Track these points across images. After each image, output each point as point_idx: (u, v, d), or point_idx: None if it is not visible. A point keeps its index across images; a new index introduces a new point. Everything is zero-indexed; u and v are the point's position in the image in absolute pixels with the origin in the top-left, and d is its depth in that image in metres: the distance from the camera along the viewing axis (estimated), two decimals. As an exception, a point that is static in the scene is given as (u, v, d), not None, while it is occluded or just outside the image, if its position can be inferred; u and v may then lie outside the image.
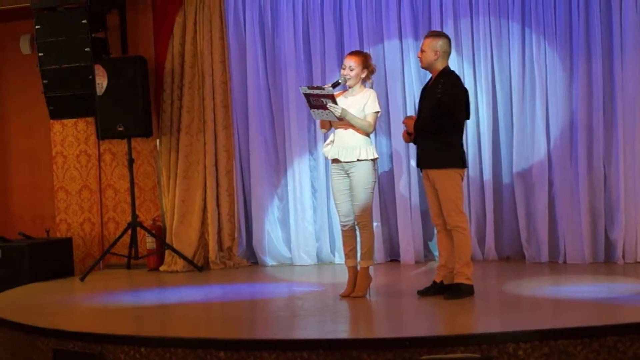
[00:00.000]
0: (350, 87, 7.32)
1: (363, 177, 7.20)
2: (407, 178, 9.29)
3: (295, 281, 8.79)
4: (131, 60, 9.75)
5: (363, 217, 7.26)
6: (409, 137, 7.34)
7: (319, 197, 9.62)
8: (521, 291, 7.48)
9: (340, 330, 6.46)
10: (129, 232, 9.54)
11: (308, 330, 6.48)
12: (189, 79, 9.79)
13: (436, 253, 8.80)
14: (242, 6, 9.77)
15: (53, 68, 9.48)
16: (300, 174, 9.67)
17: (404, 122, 7.43)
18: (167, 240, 9.72)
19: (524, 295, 7.32)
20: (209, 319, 7.02)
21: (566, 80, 8.86)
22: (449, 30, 8.93)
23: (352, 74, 7.25)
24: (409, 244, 9.27)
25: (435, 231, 7.47)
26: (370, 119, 7.21)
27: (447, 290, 7.08)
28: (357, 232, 7.39)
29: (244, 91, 9.79)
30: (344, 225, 7.40)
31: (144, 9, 10.12)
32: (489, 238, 9.08)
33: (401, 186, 9.32)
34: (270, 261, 9.74)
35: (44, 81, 9.59)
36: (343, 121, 7.17)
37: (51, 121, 10.19)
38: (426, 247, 9.38)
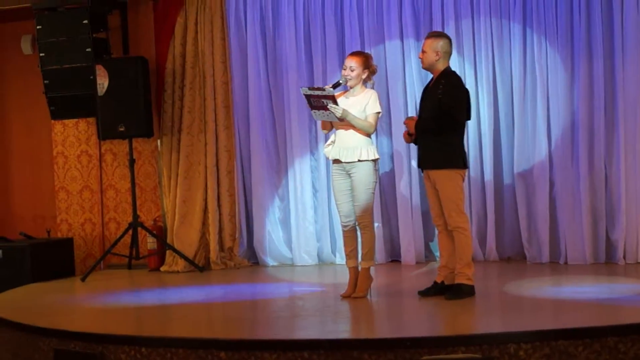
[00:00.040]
0: (351, 88, 7.32)
1: (364, 177, 7.20)
2: (408, 178, 9.29)
3: (296, 281, 8.79)
4: (132, 61, 9.75)
5: (364, 217, 7.25)
6: (410, 137, 7.34)
7: (320, 198, 9.62)
8: (522, 292, 7.48)
9: (341, 330, 6.46)
10: (130, 232, 9.55)
11: (309, 330, 6.48)
12: (190, 79, 9.79)
13: (437, 253, 8.81)
14: (243, 6, 9.77)
15: (54, 68, 9.49)
16: (301, 174, 9.66)
17: (405, 123, 7.43)
18: (168, 241, 9.72)
19: (525, 296, 7.32)
20: (210, 319, 7.02)
21: (567, 80, 8.85)
22: (450, 30, 8.93)
23: (353, 74, 7.24)
24: (409, 244, 9.28)
25: (436, 232, 7.47)
26: (371, 120, 7.21)
27: (448, 291, 7.08)
28: (358, 233, 7.39)
29: (245, 91, 9.79)
30: (344, 226, 7.40)
31: (145, 10, 10.12)
32: (489, 238, 9.08)
33: (402, 186, 9.32)
34: (271, 261, 9.74)
35: (45, 81, 9.60)
36: (344, 122, 7.17)
37: (52, 121, 10.19)
38: (427, 247, 9.37)
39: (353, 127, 7.19)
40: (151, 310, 7.47)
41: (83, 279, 9.22)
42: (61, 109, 9.74)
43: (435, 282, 7.27)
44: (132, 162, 9.68)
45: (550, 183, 8.91)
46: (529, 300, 7.13)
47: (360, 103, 7.23)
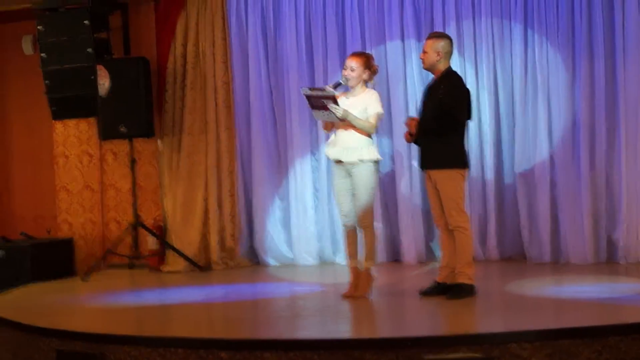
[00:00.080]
0: (351, 88, 7.31)
1: (365, 177, 7.20)
2: (409, 178, 9.29)
3: (297, 281, 8.77)
4: (133, 61, 9.76)
5: (365, 217, 7.25)
6: (411, 137, 7.34)
7: (321, 198, 9.62)
8: (523, 291, 7.47)
9: (343, 330, 6.45)
10: (131, 232, 9.54)
11: (310, 330, 6.47)
12: (191, 79, 9.79)
13: (438, 253, 8.80)
14: (244, 7, 9.77)
15: (55, 69, 9.48)
16: (302, 175, 9.67)
17: (406, 123, 7.43)
18: (169, 241, 9.72)
19: (526, 295, 7.32)
20: (211, 319, 7.01)
21: (568, 80, 8.85)
22: (451, 31, 8.91)
23: (354, 74, 7.24)
24: (411, 244, 9.28)
25: (438, 231, 7.47)
26: (372, 120, 7.20)
27: (449, 291, 7.07)
28: (359, 233, 7.38)
29: (246, 92, 9.79)
30: (346, 226, 7.39)
31: (146, 10, 10.13)
32: (490, 238, 9.08)
33: (403, 186, 9.32)
34: (272, 261, 9.74)
35: (46, 82, 9.58)
36: (345, 122, 7.17)
37: (53, 121, 10.18)
38: (428, 247, 9.37)
39: (354, 127, 7.18)
40: (152, 310, 7.47)
41: (84, 279, 9.22)
42: (62, 109, 9.73)
43: (436, 282, 7.26)
44: (133, 162, 9.68)
45: (551, 183, 8.91)
46: (530, 299, 7.13)
47: (361, 103, 7.22)
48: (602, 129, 8.71)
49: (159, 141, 9.95)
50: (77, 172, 10.46)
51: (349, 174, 7.24)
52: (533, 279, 8.08)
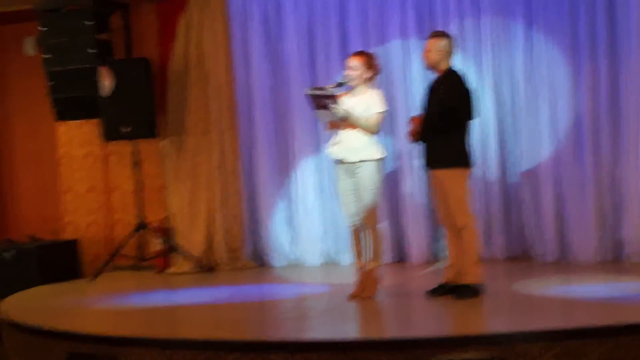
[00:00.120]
0: (354, 88, 7.31)
1: (369, 177, 7.20)
2: (414, 178, 9.27)
3: (302, 282, 8.78)
4: (135, 62, 9.77)
5: (370, 217, 7.25)
6: (414, 137, 7.33)
7: (325, 198, 9.61)
8: (530, 290, 7.47)
9: (350, 331, 6.46)
10: (137, 233, 9.55)
11: (317, 331, 6.49)
12: (193, 80, 9.80)
13: (444, 253, 8.79)
14: (246, 8, 9.76)
15: (58, 70, 9.48)
16: (306, 175, 9.66)
17: (409, 123, 7.42)
18: (175, 242, 9.72)
19: (533, 295, 7.32)
20: (218, 320, 7.00)
21: (571, 79, 8.83)
22: (453, 30, 8.90)
23: (356, 74, 7.24)
24: (417, 244, 9.28)
25: (444, 231, 7.46)
26: (374, 120, 7.20)
27: (456, 290, 7.07)
28: (364, 233, 7.38)
29: (249, 91, 9.79)
30: (351, 226, 7.39)
31: (148, 10, 10.13)
32: (496, 237, 9.07)
33: (408, 186, 9.31)
34: (277, 262, 9.74)
35: (49, 83, 9.59)
36: (347, 122, 7.16)
37: (56, 123, 10.18)
38: (434, 247, 9.36)
39: (357, 127, 7.18)
40: (160, 312, 7.49)
41: (91, 281, 9.23)
42: (65, 110, 9.72)
43: (443, 282, 7.26)
44: (137, 163, 9.68)
45: (555, 181, 8.89)
46: (537, 299, 7.13)
47: (363, 103, 7.22)
48: (606, 127, 8.70)
49: (162, 142, 9.94)
50: (82, 174, 10.46)
51: (353, 174, 7.24)
52: (539, 278, 8.06)
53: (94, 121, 10.11)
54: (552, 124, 8.88)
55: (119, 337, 6.22)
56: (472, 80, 8.85)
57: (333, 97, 7.06)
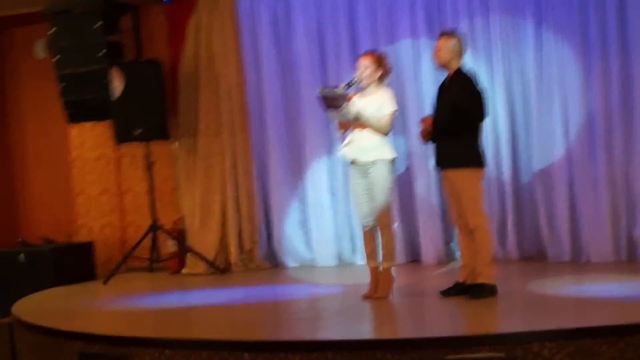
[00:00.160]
0: (365, 87, 7.31)
1: (381, 177, 7.20)
2: (427, 178, 9.27)
3: (316, 282, 8.78)
4: (146, 64, 9.80)
5: (383, 217, 7.25)
6: (426, 137, 7.33)
7: (338, 198, 9.62)
8: (544, 290, 7.45)
9: (364, 331, 6.46)
10: (150, 235, 9.57)
11: (331, 331, 6.49)
12: (204, 81, 9.82)
13: (458, 253, 8.79)
14: (255, 8, 9.78)
15: (69, 72, 9.51)
16: (318, 175, 9.67)
17: (420, 123, 7.42)
18: (188, 243, 9.74)
19: (547, 295, 7.29)
20: (233, 321, 7.00)
21: (583, 78, 8.81)
22: (463, 29, 8.90)
23: (366, 73, 7.24)
24: (430, 244, 9.28)
25: (457, 231, 7.46)
26: (386, 119, 7.20)
27: (470, 290, 7.05)
28: (378, 233, 7.38)
29: (260, 92, 9.80)
30: (364, 226, 7.39)
31: (158, 12, 10.17)
32: (510, 237, 9.06)
33: (421, 186, 9.31)
34: (291, 263, 9.75)
35: (60, 85, 9.61)
36: (359, 122, 7.17)
37: (68, 125, 10.20)
38: (447, 247, 9.36)
39: (369, 127, 7.19)
40: (174, 313, 7.49)
41: (105, 282, 9.27)
42: (77, 112, 9.75)
43: (456, 282, 7.25)
44: (149, 165, 9.71)
45: (569, 181, 8.87)
46: (552, 298, 7.11)
47: (375, 102, 7.22)
48: (619, 126, 8.67)
49: (174, 144, 9.96)
50: (94, 176, 10.50)
51: (366, 174, 7.24)
52: (553, 278, 8.04)
53: (106, 123, 10.15)
54: (565, 124, 8.86)
55: (131, 338, 6.23)
56: (483, 79, 8.85)
57: (344, 98, 7.06)
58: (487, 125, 8.68)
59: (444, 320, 6.64)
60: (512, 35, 9.04)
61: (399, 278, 7.74)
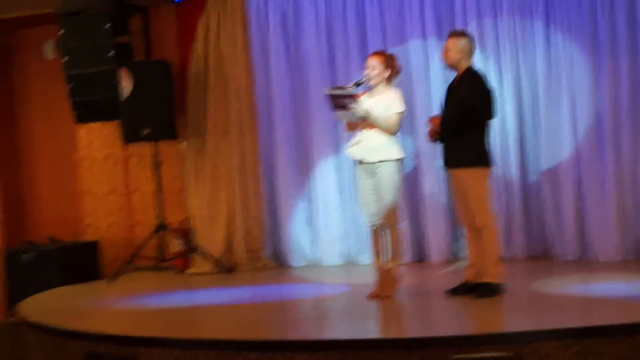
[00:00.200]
0: (373, 87, 7.31)
1: (388, 177, 7.19)
2: (434, 177, 9.26)
3: (322, 282, 8.78)
4: (155, 64, 9.80)
5: (389, 217, 7.24)
6: (434, 136, 7.33)
7: (345, 198, 9.61)
8: (551, 289, 7.45)
9: (370, 330, 6.46)
10: (156, 234, 9.58)
11: (337, 330, 6.50)
12: (213, 81, 9.82)
13: (464, 252, 8.78)
14: (265, 8, 9.78)
15: (78, 73, 9.53)
16: (325, 175, 9.67)
17: (429, 122, 7.41)
18: (195, 243, 9.74)
19: (553, 294, 7.29)
20: (239, 320, 7.00)
21: (592, 77, 8.79)
22: (472, 29, 8.89)
23: (375, 73, 7.24)
24: (436, 243, 9.27)
25: (463, 230, 7.45)
26: (393, 120, 7.20)
27: (476, 290, 7.05)
28: (384, 232, 7.37)
29: (268, 93, 9.80)
30: (371, 226, 7.39)
31: (167, 13, 10.16)
32: (517, 236, 9.05)
33: (428, 185, 9.31)
34: (297, 262, 9.74)
35: (69, 86, 9.63)
36: (367, 122, 7.17)
37: (76, 125, 10.21)
38: (454, 246, 9.34)
39: (376, 127, 7.19)
40: (180, 312, 7.50)
41: (111, 282, 9.27)
42: (85, 112, 9.76)
43: (463, 281, 7.25)
44: (157, 164, 9.71)
45: (576, 180, 8.86)
46: (558, 297, 7.11)
47: (383, 102, 7.21)
48: (627, 125, 8.66)
49: (182, 143, 9.97)
50: (102, 176, 10.51)
51: (373, 174, 7.24)
52: (560, 277, 8.04)
53: (114, 123, 10.15)
54: (573, 123, 8.84)
55: (137, 337, 6.24)
56: (492, 79, 8.85)
57: (352, 97, 7.07)
58: (495, 124, 8.69)
59: (450, 320, 6.64)
60: (521, 35, 9.03)
61: (406, 277, 7.75)
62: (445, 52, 7.21)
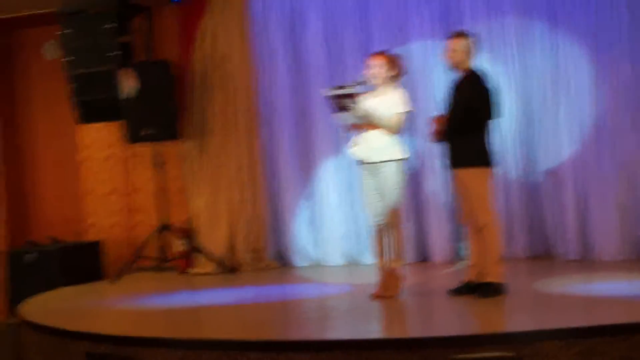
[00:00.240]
0: (376, 87, 7.31)
1: (391, 177, 7.20)
2: (437, 177, 9.26)
3: (325, 282, 8.78)
4: (157, 64, 9.81)
5: (392, 217, 7.25)
6: (436, 136, 7.33)
7: (348, 198, 9.62)
8: (552, 289, 7.44)
9: (372, 330, 6.46)
10: (159, 234, 9.59)
11: (340, 330, 6.50)
12: (215, 81, 9.82)
13: (467, 252, 8.78)
14: (267, 9, 9.78)
15: (80, 72, 9.54)
16: (328, 175, 9.67)
17: (431, 122, 7.42)
18: (197, 243, 9.75)
19: (555, 293, 7.29)
20: (242, 320, 7.00)
21: (593, 78, 8.79)
22: (476, 29, 8.87)
23: (376, 73, 7.24)
24: (439, 243, 9.28)
25: (466, 230, 7.46)
26: (396, 119, 7.20)
27: (478, 289, 7.06)
28: (387, 232, 7.38)
29: (270, 93, 9.81)
30: (374, 226, 7.39)
31: (169, 13, 10.17)
32: (518, 236, 9.05)
33: (430, 185, 9.31)
34: (300, 262, 9.75)
35: (71, 86, 9.64)
36: (369, 121, 7.17)
37: (78, 125, 10.22)
38: (456, 246, 9.34)
39: (378, 126, 7.19)
40: (182, 313, 7.50)
41: (114, 282, 9.28)
42: (87, 113, 9.80)
43: (465, 281, 7.25)
44: (159, 165, 9.72)
45: (577, 180, 8.86)
46: (560, 297, 7.10)
47: (386, 102, 7.22)
48: (628, 126, 8.66)
49: (184, 143, 9.97)
50: (104, 176, 10.52)
51: (376, 174, 7.24)
52: (562, 277, 8.04)
53: (116, 123, 10.17)
54: (575, 123, 8.85)
55: (138, 338, 6.24)
56: (495, 79, 8.84)
57: (352, 96, 7.06)
58: (498, 124, 8.67)
59: (453, 320, 6.64)
60: (524, 35, 9.03)
61: (408, 277, 7.74)
62: (448, 53, 7.21)
